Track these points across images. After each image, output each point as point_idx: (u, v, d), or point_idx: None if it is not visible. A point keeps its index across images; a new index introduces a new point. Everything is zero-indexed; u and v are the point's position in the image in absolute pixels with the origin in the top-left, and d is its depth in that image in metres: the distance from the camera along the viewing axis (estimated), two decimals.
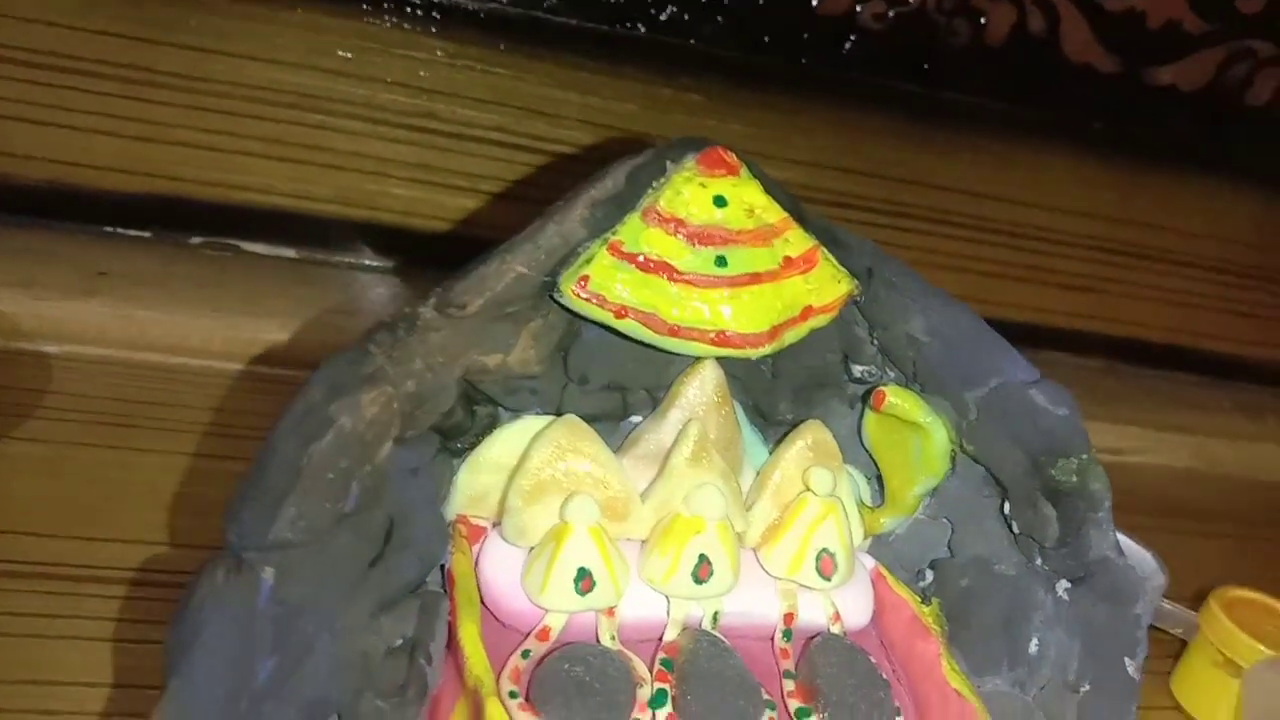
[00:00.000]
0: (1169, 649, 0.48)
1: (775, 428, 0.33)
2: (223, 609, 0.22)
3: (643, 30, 0.52)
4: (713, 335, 0.28)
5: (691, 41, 0.52)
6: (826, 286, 0.29)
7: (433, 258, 0.53)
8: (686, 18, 0.52)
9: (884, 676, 0.29)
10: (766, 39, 0.53)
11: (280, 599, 0.23)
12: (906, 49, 0.55)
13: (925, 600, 0.32)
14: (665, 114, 0.54)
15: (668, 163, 0.28)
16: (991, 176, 0.61)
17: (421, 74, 0.50)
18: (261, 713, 0.23)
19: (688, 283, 0.28)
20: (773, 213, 0.28)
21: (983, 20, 0.56)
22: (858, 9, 0.54)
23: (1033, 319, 0.66)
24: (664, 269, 0.28)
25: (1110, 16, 0.58)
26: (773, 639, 0.30)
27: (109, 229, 0.50)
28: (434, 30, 0.49)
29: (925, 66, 0.56)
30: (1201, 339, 0.69)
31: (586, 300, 0.27)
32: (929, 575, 0.33)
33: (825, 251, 0.29)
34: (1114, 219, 0.64)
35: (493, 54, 0.50)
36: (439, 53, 0.50)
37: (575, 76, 0.52)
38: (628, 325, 0.28)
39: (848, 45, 0.54)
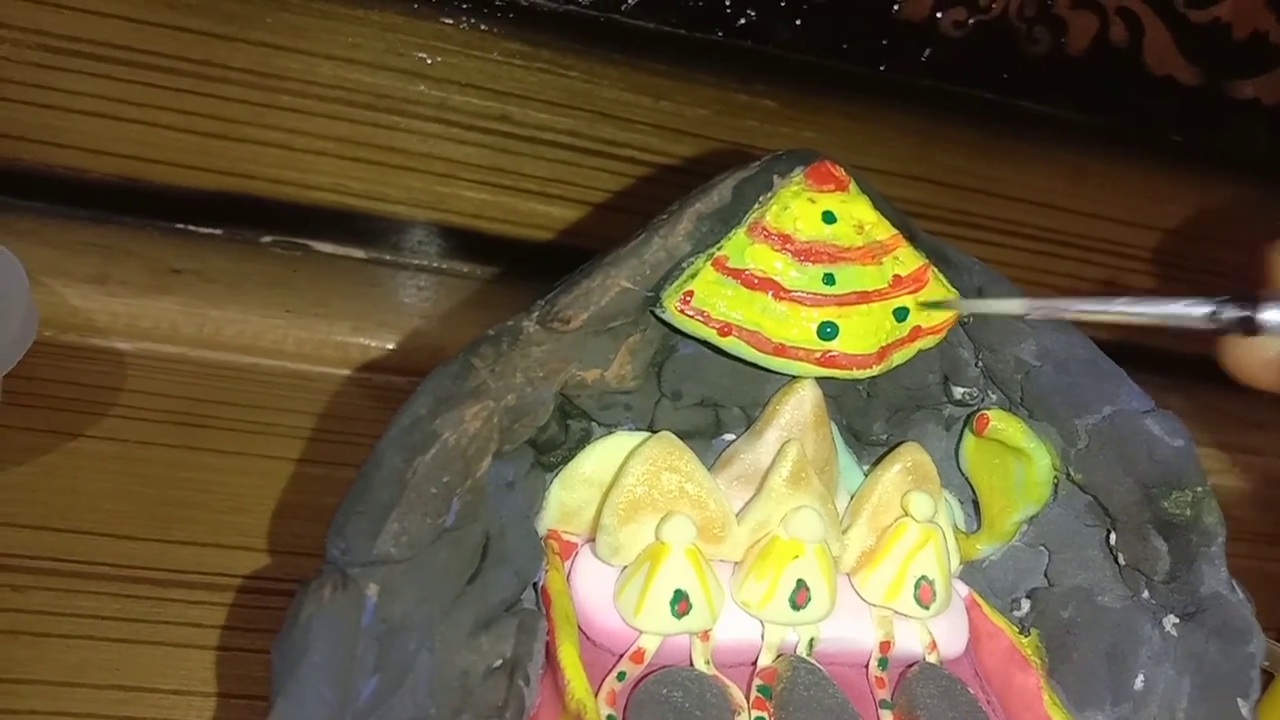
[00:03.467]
0: None
1: (868, 449, 0.32)
2: (329, 627, 0.22)
3: (719, 35, 0.51)
4: (819, 355, 0.27)
5: (768, 47, 0.51)
6: None
7: (502, 261, 0.53)
8: (764, 23, 0.51)
9: (983, 709, 0.28)
10: (844, 45, 0.52)
11: (383, 617, 0.23)
12: (986, 57, 0.54)
13: (1023, 630, 0.31)
14: (738, 119, 0.53)
15: (775, 176, 0.27)
16: (1065, 188, 0.60)
17: (496, 76, 0.49)
18: None
19: (794, 300, 0.27)
20: (882, 230, 0.28)
21: (1064, 29, 0.55)
22: (938, 15, 0.53)
23: (1100, 335, 0.65)
24: (769, 286, 0.27)
25: (1194, 27, 0.57)
26: (866, 667, 0.29)
27: (181, 225, 0.50)
28: (510, 33, 0.49)
29: (1004, 75, 0.55)
30: None
31: (690, 317, 0.27)
32: (1025, 605, 0.32)
33: (935, 270, 0.28)
34: (1189, 235, 0.62)
35: (567, 57, 0.50)
36: (515, 56, 0.49)
37: (648, 81, 0.51)
38: (731, 343, 0.27)
39: (927, 52, 0.53)
